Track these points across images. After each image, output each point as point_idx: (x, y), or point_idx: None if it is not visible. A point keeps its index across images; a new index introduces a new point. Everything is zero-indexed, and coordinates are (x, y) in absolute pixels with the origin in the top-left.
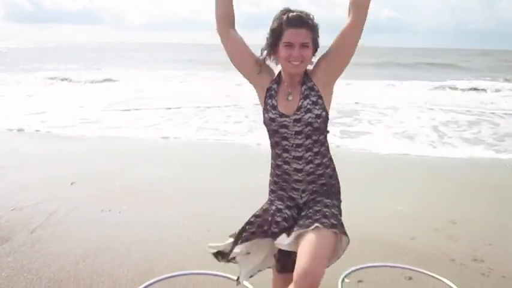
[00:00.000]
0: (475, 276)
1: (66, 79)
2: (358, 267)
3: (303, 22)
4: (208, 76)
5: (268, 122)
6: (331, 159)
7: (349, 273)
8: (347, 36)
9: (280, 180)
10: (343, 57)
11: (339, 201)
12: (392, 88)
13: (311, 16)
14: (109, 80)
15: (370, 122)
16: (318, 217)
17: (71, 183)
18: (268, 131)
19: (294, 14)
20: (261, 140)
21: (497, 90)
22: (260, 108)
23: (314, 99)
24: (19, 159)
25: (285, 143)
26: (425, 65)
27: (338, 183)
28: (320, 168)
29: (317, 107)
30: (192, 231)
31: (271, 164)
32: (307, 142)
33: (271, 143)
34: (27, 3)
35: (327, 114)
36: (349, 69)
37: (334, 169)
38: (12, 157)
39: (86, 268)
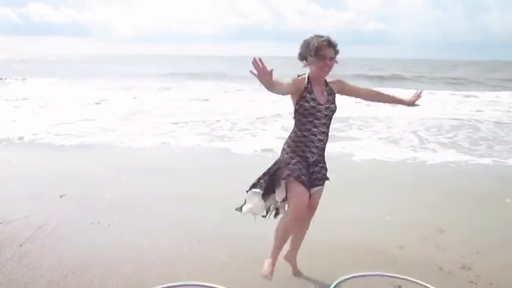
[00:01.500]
0: (462, 284)
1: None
2: (347, 276)
3: (332, 45)
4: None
5: (308, 107)
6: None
7: (339, 283)
8: (356, 95)
9: (302, 145)
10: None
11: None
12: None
13: (336, 42)
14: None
15: (359, 128)
16: (319, 177)
17: (60, 196)
18: (303, 114)
19: (329, 38)
20: (253, 148)
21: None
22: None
23: (332, 97)
24: (7, 171)
25: (316, 121)
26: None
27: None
28: (326, 141)
29: (334, 102)
30: (183, 242)
31: (295, 135)
32: (328, 122)
33: (302, 122)
34: (15, 15)
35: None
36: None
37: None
38: (0, 169)
39: (76, 281)
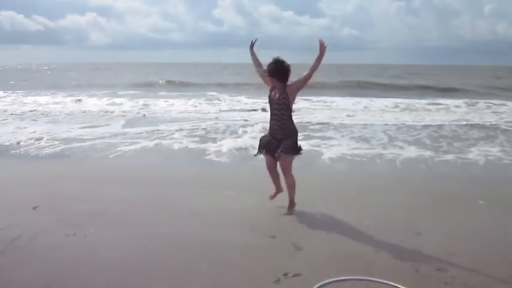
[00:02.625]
0: (438, 285)
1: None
2: (325, 282)
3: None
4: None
5: (269, 100)
6: (291, 123)
7: None
8: (303, 83)
9: (271, 127)
10: (299, 91)
11: (295, 138)
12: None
13: (281, 65)
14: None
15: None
16: (283, 148)
17: (34, 208)
18: (269, 106)
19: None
20: (228, 158)
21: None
22: None
23: (283, 96)
24: None
25: (273, 111)
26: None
27: (294, 132)
28: (285, 126)
29: (285, 99)
30: (160, 252)
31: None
32: (279, 113)
33: (270, 112)
34: None
35: (289, 104)
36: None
37: (292, 127)
38: None
39: None
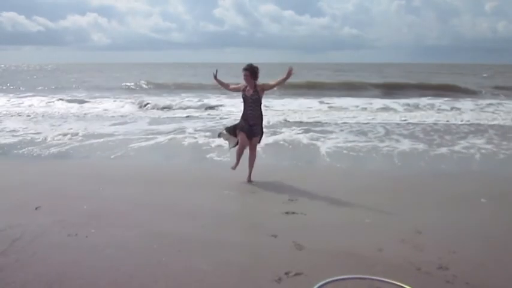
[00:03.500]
0: (439, 283)
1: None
2: (327, 280)
3: (244, 68)
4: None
5: (244, 98)
6: (261, 113)
7: (319, 287)
8: (268, 88)
9: (245, 116)
10: (264, 92)
11: (262, 124)
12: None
13: (251, 66)
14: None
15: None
16: (256, 131)
17: (36, 208)
18: (243, 102)
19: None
20: (224, 158)
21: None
22: None
23: (255, 93)
24: None
25: (248, 105)
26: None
27: (262, 119)
28: (256, 115)
29: (256, 96)
30: (162, 252)
31: (243, 112)
32: (253, 105)
33: (244, 105)
34: None
35: (260, 99)
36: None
37: (261, 115)
38: None
39: None
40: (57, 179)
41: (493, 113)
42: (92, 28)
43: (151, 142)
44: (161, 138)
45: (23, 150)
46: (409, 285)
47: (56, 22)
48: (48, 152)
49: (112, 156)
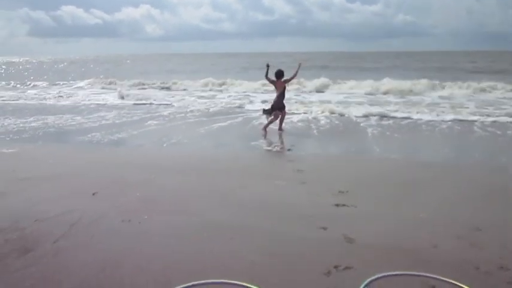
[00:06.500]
0: (500, 284)
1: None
2: (378, 276)
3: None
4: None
5: (276, 88)
6: (284, 96)
7: (370, 283)
8: (287, 83)
9: (276, 98)
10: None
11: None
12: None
13: (279, 71)
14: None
15: None
16: (284, 108)
17: (93, 194)
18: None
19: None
20: (274, 147)
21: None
22: None
23: (282, 87)
24: (42, 171)
25: (277, 89)
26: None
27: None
28: (282, 100)
29: (282, 89)
30: (212, 241)
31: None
32: (279, 92)
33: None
34: (49, 19)
35: (284, 90)
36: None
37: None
38: (35, 168)
39: (107, 279)
40: (114, 166)
41: None
42: (146, 20)
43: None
44: (219, 124)
45: (86, 136)
46: (467, 286)
47: (111, 14)
48: (108, 139)
49: (164, 145)
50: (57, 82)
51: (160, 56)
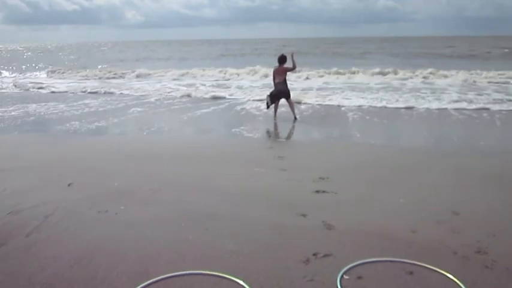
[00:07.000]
0: (478, 268)
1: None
2: (357, 263)
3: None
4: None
5: (275, 73)
6: (286, 84)
7: (348, 270)
8: (288, 71)
9: (276, 87)
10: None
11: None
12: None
13: (283, 56)
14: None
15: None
16: (288, 94)
17: (68, 185)
18: (274, 76)
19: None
20: (256, 134)
21: None
22: None
23: (283, 72)
24: (17, 162)
25: (278, 79)
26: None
27: (288, 87)
28: (285, 84)
29: (283, 74)
30: (189, 230)
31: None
32: (282, 78)
33: (273, 78)
34: (25, 5)
35: (285, 76)
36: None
37: (287, 85)
38: (10, 160)
39: (80, 272)
40: (91, 156)
41: None
42: (125, 6)
43: (185, 117)
44: (196, 113)
45: (63, 126)
46: (445, 270)
47: (90, 1)
48: (85, 128)
49: (145, 133)
50: (16, 71)
51: (136, 43)
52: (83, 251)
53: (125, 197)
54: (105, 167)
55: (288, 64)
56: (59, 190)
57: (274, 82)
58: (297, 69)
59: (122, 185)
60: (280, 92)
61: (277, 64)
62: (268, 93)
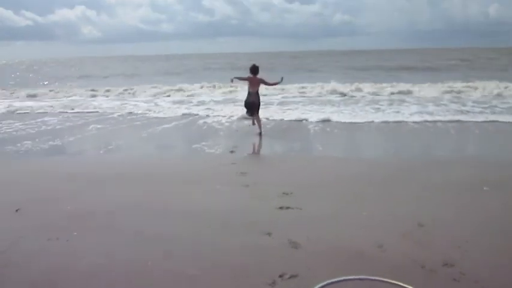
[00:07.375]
0: (446, 282)
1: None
2: (324, 283)
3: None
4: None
5: (250, 83)
6: (259, 95)
7: None
8: (263, 84)
9: (248, 94)
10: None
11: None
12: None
13: (256, 66)
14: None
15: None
16: (257, 110)
17: (16, 210)
18: (249, 87)
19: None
20: (218, 149)
21: None
22: None
23: (258, 83)
24: None
25: (252, 90)
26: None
27: (259, 100)
28: (257, 96)
29: (257, 85)
30: (148, 255)
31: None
32: (255, 90)
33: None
34: None
35: (259, 86)
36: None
37: (259, 97)
38: None
39: None
40: (42, 178)
41: None
42: (81, 21)
43: (143, 134)
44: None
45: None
46: (413, 285)
47: (44, 16)
48: (38, 148)
49: (101, 152)
50: None
51: (91, 59)
52: (30, 285)
53: (78, 222)
54: (57, 190)
55: (267, 79)
56: (5, 216)
57: (248, 90)
58: (272, 87)
59: (75, 210)
60: (252, 104)
61: (250, 74)
62: (244, 103)
